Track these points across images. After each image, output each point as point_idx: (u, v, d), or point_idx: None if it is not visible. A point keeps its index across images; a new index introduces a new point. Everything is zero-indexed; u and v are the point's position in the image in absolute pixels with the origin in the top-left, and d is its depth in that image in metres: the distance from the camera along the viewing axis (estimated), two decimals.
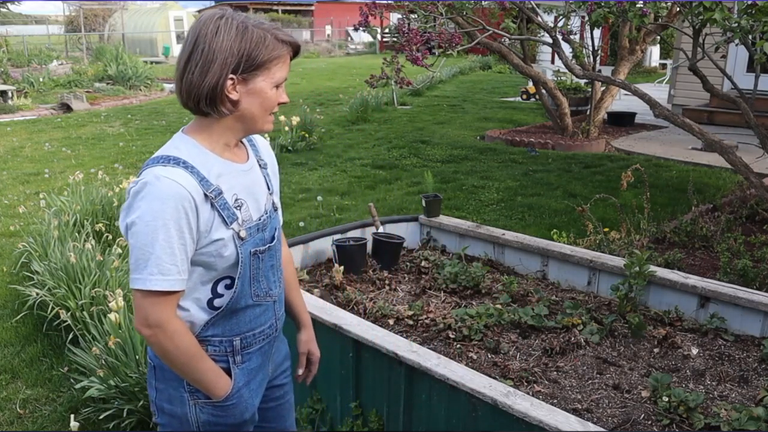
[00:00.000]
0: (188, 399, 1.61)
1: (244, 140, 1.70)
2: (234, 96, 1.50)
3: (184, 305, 1.57)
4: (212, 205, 1.50)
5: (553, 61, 16.27)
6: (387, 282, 3.46)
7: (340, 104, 12.97)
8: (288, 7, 38.43)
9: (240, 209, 1.57)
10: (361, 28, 5.24)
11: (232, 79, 1.48)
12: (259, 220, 1.62)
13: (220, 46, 1.45)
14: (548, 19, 7.91)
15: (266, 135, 1.85)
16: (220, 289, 1.58)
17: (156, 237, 1.43)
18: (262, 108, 1.54)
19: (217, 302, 1.58)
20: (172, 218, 1.43)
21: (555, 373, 2.61)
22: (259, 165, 1.70)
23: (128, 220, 1.46)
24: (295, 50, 1.57)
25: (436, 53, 5.78)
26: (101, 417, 2.89)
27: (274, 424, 1.87)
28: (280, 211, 1.82)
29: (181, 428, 1.64)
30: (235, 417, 1.64)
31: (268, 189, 1.71)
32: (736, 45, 4.66)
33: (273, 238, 1.67)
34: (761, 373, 2.59)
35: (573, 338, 2.82)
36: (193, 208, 1.46)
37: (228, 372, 1.62)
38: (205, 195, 1.49)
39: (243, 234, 1.55)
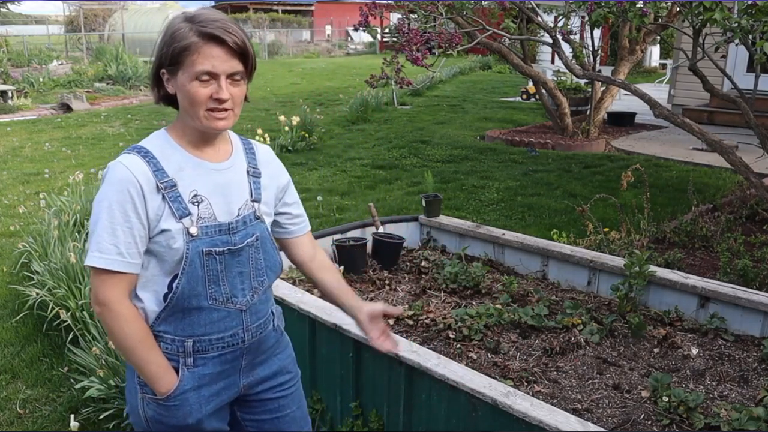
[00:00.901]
0: (138, 391, 1.62)
1: (237, 143, 1.71)
2: (170, 90, 1.56)
3: (141, 295, 1.58)
4: (163, 197, 1.53)
5: (553, 61, 16.27)
6: (387, 282, 3.46)
7: (340, 104, 12.97)
8: (288, 7, 38.43)
9: (198, 206, 1.57)
10: (361, 28, 5.24)
11: (163, 73, 1.56)
12: (226, 222, 1.60)
13: (156, 45, 1.56)
14: (548, 19, 7.91)
15: (265, 139, 1.83)
16: (176, 284, 1.58)
17: (100, 217, 1.50)
18: (188, 102, 1.54)
19: (169, 297, 1.59)
20: (117, 201, 1.49)
21: (555, 373, 2.61)
22: (248, 172, 1.69)
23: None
24: (213, 38, 1.49)
25: (436, 53, 5.78)
26: (101, 417, 2.89)
27: None
28: (305, 220, 1.85)
29: (137, 420, 1.66)
30: (177, 419, 1.62)
31: (251, 195, 1.68)
32: (736, 45, 4.66)
33: (242, 243, 1.63)
34: (761, 373, 2.59)
35: (573, 338, 2.82)
36: (139, 193, 1.50)
37: (178, 372, 1.61)
38: (157, 185, 1.52)
39: (194, 231, 1.55)
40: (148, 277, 1.57)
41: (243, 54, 1.54)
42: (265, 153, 1.78)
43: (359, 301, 1.87)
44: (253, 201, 1.68)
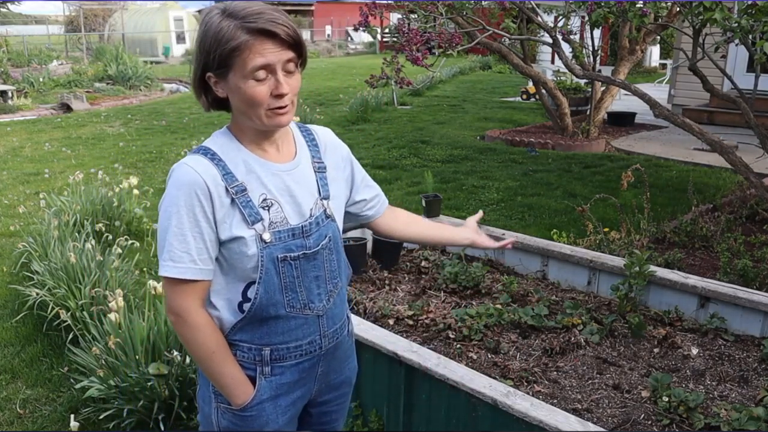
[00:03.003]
0: (213, 400, 1.56)
1: (298, 137, 1.61)
2: (220, 93, 1.46)
3: (215, 303, 1.52)
4: (233, 201, 1.45)
5: (553, 61, 16.26)
6: (387, 282, 3.46)
7: (340, 104, 12.97)
8: (288, 7, 38.36)
9: (268, 210, 1.48)
10: (361, 28, 5.24)
11: (210, 76, 1.45)
12: (299, 225, 1.51)
13: (197, 44, 1.46)
14: (548, 19, 7.91)
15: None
16: (251, 293, 1.50)
17: (170, 224, 1.43)
18: (244, 104, 1.43)
19: (245, 306, 1.51)
20: (185, 205, 1.42)
21: (555, 373, 2.62)
22: (313, 167, 1.59)
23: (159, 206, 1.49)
24: (264, 33, 1.38)
25: (436, 53, 5.78)
26: (101, 417, 2.89)
27: None
28: (380, 198, 1.79)
29: (209, 429, 1.59)
30: (254, 430, 1.56)
31: (319, 194, 1.58)
32: (736, 45, 4.66)
33: (317, 246, 1.54)
34: (761, 373, 2.59)
35: (573, 338, 2.82)
36: (207, 196, 1.42)
37: (255, 381, 1.54)
38: (227, 189, 1.44)
39: (267, 237, 1.46)
40: (221, 284, 1.51)
41: (296, 44, 1.43)
42: (327, 138, 1.68)
43: (458, 229, 1.92)
44: (322, 199, 1.58)
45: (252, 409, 1.53)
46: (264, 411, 1.55)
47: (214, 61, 1.41)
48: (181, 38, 29.34)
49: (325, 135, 1.69)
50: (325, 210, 1.58)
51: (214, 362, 1.49)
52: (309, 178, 1.57)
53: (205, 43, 1.42)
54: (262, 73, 1.40)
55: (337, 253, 1.61)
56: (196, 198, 1.42)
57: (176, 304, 1.47)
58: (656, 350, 2.78)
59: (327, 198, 1.60)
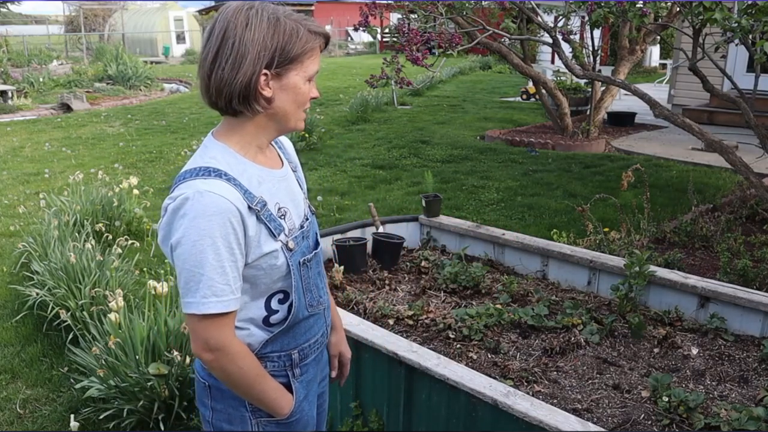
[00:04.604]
0: (250, 418, 1.54)
1: (273, 144, 1.62)
2: (267, 92, 1.40)
3: (242, 324, 1.49)
4: (258, 218, 1.41)
5: (553, 61, 16.26)
6: (387, 282, 3.46)
7: (340, 104, 12.98)
8: (288, 7, 38.38)
9: (284, 218, 1.49)
10: (361, 28, 5.25)
11: (265, 74, 1.38)
12: (302, 227, 1.55)
13: (252, 40, 1.36)
14: (548, 19, 7.91)
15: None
16: (274, 304, 1.50)
17: (205, 257, 1.33)
18: (295, 104, 1.45)
19: (273, 319, 1.50)
20: (221, 235, 1.34)
21: (555, 373, 2.62)
22: (291, 168, 1.64)
23: (172, 241, 1.36)
24: (326, 41, 1.49)
25: (436, 53, 5.78)
26: (101, 417, 2.89)
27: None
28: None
29: None
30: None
31: (303, 192, 1.64)
32: (736, 45, 4.66)
33: (317, 244, 1.60)
34: (761, 373, 2.59)
35: (573, 338, 2.82)
36: (240, 223, 1.37)
37: (288, 386, 1.56)
38: (250, 207, 1.39)
39: (291, 245, 1.48)
40: (244, 304, 1.47)
41: None
42: (289, 143, 1.73)
43: (337, 319, 1.84)
44: (305, 197, 1.65)
45: (296, 413, 1.56)
46: (304, 411, 1.59)
47: (287, 56, 1.39)
48: (181, 38, 29.35)
49: (286, 141, 1.73)
50: (309, 206, 1.65)
51: (259, 383, 1.48)
52: (294, 180, 1.63)
53: (275, 38, 1.37)
54: (312, 77, 1.47)
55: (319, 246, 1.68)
56: (231, 227, 1.35)
57: (215, 340, 1.39)
58: (656, 350, 2.78)
59: (306, 195, 1.67)
